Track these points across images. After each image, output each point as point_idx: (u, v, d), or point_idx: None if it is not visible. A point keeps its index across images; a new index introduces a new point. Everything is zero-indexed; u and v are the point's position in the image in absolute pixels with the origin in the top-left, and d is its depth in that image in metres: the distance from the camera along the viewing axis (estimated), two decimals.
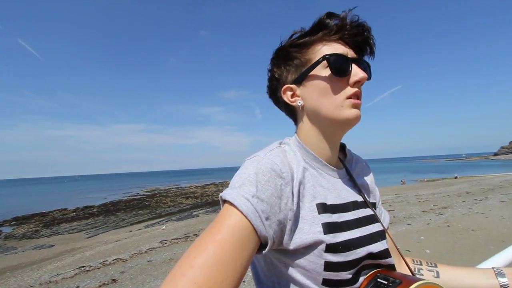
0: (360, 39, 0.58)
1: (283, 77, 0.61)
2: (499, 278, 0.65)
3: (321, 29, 0.57)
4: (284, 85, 0.61)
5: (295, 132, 0.64)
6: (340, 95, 0.56)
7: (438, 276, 0.68)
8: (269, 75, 0.65)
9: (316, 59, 0.56)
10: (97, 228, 16.58)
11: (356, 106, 0.56)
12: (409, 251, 7.60)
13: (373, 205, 0.66)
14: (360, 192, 0.63)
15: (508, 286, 0.64)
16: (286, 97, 0.61)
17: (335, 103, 0.56)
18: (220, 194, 0.49)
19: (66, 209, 25.05)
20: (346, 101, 0.56)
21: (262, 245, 0.47)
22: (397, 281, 0.48)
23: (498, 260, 1.41)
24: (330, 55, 0.55)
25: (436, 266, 0.70)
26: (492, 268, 0.68)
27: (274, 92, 0.65)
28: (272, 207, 0.46)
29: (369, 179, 0.70)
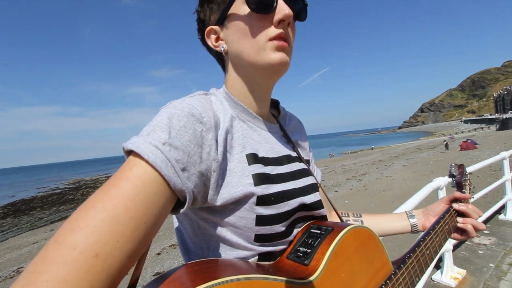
0: None
1: (207, 17, 0.54)
2: (410, 219, 0.75)
3: None
4: (207, 27, 0.54)
5: (224, 83, 0.58)
6: (261, 36, 0.49)
7: (362, 224, 0.76)
8: (196, 16, 0.57)
9: None
10: (5, 232, 13.91)
11: (281, 49, 0.49)
12: None
13: (307, 162, 0.66)
14: (294, 148, 0.61)
15: (417, 225, 0.75)
16: (210, 41, 0.54)
17: (256, 45, 0.49)
18: (123, 144, 0.39)
19: None
20: (268, 43, 0.49)
21: (180, 202, 0.41)
22: (329, 228, 0.50)
23: (403, 208, 1.71)
24: None
25: (360, 216, 0.77)
26: (405, 211, 0.78)
27: (203, 37, 0.56)
28: (191, 156, 0.40)
29: (303, 136, 0.68)
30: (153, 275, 5.42)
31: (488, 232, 3.21)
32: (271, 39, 0.49)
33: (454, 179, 0.83)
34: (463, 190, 0.80)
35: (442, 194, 2.23)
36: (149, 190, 0.35)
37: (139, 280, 0.39)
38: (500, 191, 3.85)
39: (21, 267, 7.44)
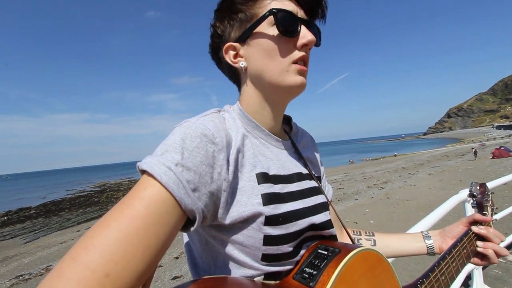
0: None
1: (226, 33, 0.55)
2: (426, 241, 0.72)
3: None
4: (226, 43, 0.55)
5: (238, 99, 0.59)
6: (286, 57, 0.51)
7: (375, 244, 0.73)
8: (211, 31, 0.57)
9: (263, 13, 0.51)
10: (36, 231, 14.77)
11: (302, 73, 0.52)
12: (356, 223, 8.44)
13: (318, 178, 0.66)
14: (305, 165, 0.61)
15: (433, 247, 0.71)
16: (228, 57, 0.55)
17: (280, 66, 0.51)
18: (138, 163, 0.41)
19: None
20: (292, 66, 0.51)
21: (190, 221, 0.42)
22: (337, 250, 0.49)
23: (424, 223, 1.62)
24: (278, 10, 0.49)
25: (373, 235, 0.74)
26: (421, 232, 0.75)
27: (216, 52, 0.57)
28: (202, 176, 0.41)
29: (315, 152, 0.68)
30: (171, 279, 5.51)
31: None
32: (294, 62, 0.51)
33: (474, 199, 0.79)
34: (484, 212, 0.75)
35: (469, 207, 2.10)
36: (161, 210, 0.37)
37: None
38: None
39: (50, 265, 7.84)
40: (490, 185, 2.34)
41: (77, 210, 20.04)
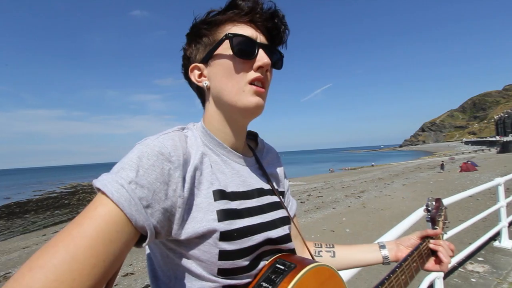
0: (270, 24, 0.57)
1: (193, 55, 0.59)
2: (382, 251, 0.76)
3: (232, 9, 0.55)
4: (193, 63, 0.59)
5: (202, 117, 0.62)
6: (242, 78, 0.54)
7: (334, 256, 0.77)
8: (182, 53, 0.61)
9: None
10: None
11: (259, 94, 0.55)
12: (333, 231, 8.62)
13: (281, 193, 0.67)
14: (268, 180, 0.63)
15: (388, 256, 0.76)
16: (193, 76, 0.59)
17: (237, 86, 0.54)
18: (93, 180, 0.42)
19: None
20: (248, 86, 0.54)
21: (144, 236, 0.43)
22: (293, 265, 0.51)
23: (393, 233, 1.71)
24: (233, 35, 0.53)
25: (333, 247, 0.77)
26: (377, 242, 0.79)
27: (186, 72, 0.61)
28: (156, 193, 0.42)
29: (279, 169, 0.70)
30: (143, 287, 5.31)
31: (482, 259, 3.16)
32: (250, 82, 0.54)
33: (429, 213, 0.85)
34: (435, 226, 0.81)
35: None
36: (111, 229, 0.38)
37: None
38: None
39: (9, 273, 7.29)
40: (454, 198, 2.50)
41: (44, 213, 18.89)
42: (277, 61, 0.60)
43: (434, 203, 0.89)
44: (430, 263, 0.77)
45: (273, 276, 0.50)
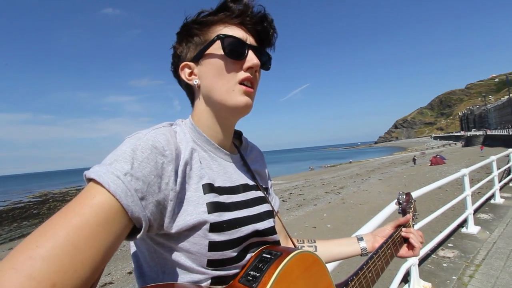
0: (260, 27, 0.59)
1: (183, 54, 0.60)
2: (360, 243, 0.81)
3: (224, 11, 0.57)
4: (183, 62, 0.60)
5: (190, 114, 0.63)
6: (232, 77, 0.56)
7: (316, 250, 0.80)
8: (172, 51, 0.62)
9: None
10: None
11: (248, 94, 0.57)
12: (315, 227, 8.85)
13: (265, 189, 0.69)
14: (253, 177, 0.65)
15: (366, 248, 0.80)
16: (184, 74, 0.60)
17: (227, 85, 0.56)
18: (85, 172, 0.42)
19: None
20: (237, 86, 0.56)
21: (135, 229, 0.43)
22: (278, 253, 0.53)
23: (369, 226, 1.79)
24: (225, 35, 0.55)
25: (315, 242, 0.80)
26: (356, 236, 0.84)
27: (176, 70, 0.62)
28: (150, 186, 0.43)
29: (262, 166, 0.73)
30: None
31: (452, 245, 3.40)
32: (240, 82, 0.56)
33: (400, 206, 0.92)
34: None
35: None
36: (110, 218, 0.38)
37: None
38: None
39: None
40: (425, 189, 2.67)
41: (10, 225, 17.60)
42: (265, 62, 0.62)
43: (404, 196, 0.96)
44: (404, 249, 0.84)
45: (260, 265, 0.51)
